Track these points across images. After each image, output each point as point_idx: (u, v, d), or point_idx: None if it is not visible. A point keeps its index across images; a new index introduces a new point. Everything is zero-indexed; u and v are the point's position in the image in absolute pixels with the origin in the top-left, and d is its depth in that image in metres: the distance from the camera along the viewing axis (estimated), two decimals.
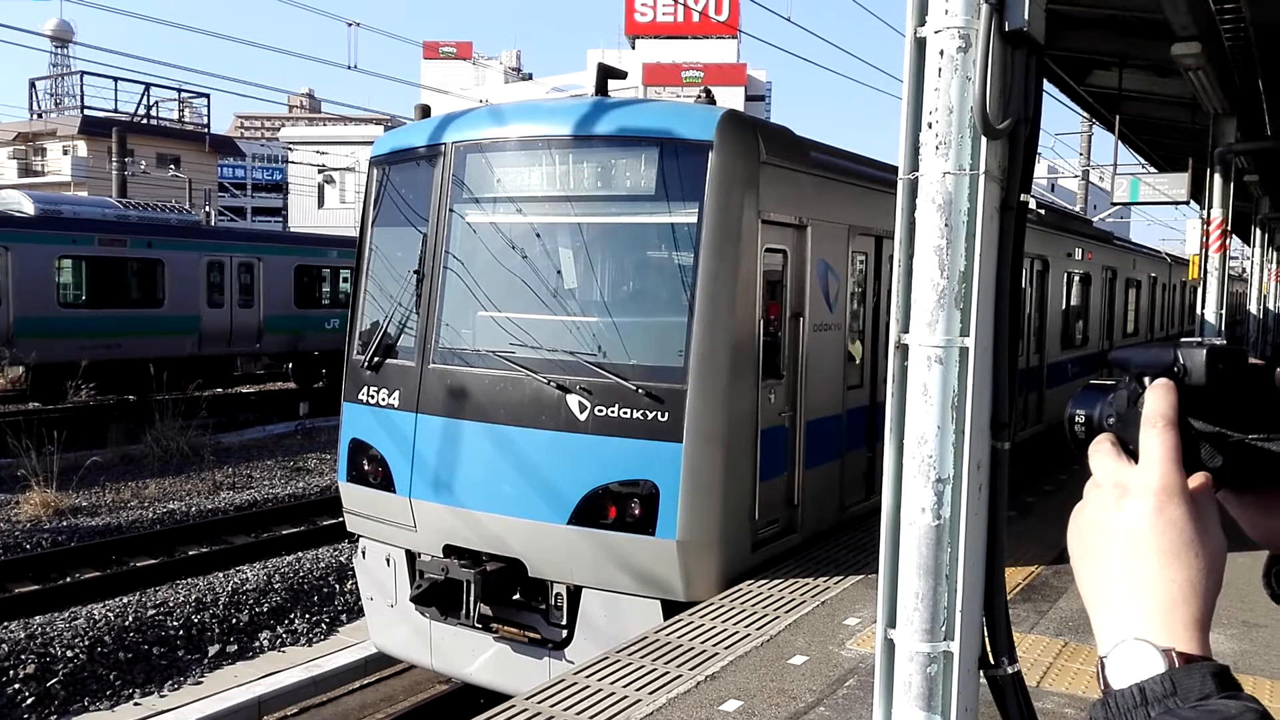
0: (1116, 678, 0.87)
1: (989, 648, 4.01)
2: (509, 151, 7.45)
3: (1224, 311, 15.37)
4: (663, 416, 6.63)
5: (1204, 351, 0.95)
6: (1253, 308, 27.56)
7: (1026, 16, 3.54)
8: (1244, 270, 36.98)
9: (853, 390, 8.84)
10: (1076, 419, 1.02)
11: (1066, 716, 5.17)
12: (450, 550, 7.39)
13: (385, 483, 7.72)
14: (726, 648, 5.91)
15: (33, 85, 61.33)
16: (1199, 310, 15.58)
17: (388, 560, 7.96)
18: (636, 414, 6.68)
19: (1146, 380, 0.95)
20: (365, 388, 7.93)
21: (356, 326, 8.28)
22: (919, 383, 3.68)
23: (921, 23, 3.66)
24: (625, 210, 7.26)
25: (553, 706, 5.16)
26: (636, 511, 6.70)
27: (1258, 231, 27.76)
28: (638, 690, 5.33)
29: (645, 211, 7.14)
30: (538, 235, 7.34)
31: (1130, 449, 0.94)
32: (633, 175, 7.12)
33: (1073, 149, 33.03)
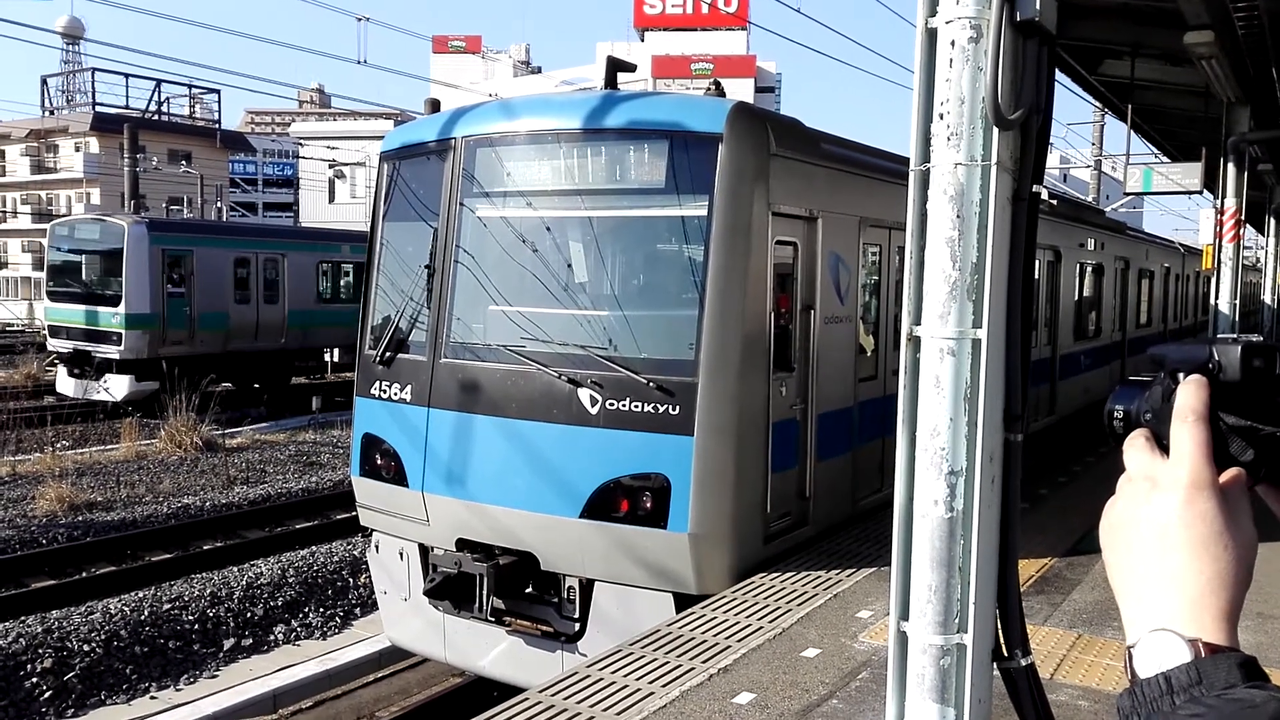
0: (1143, 667, 0.88)
1: (1002, 640, 4.01)
2: (519, 145, 7.44)
3: (1238, 301, 15.29)
4: (674, 410, 6.62)
5: (1239, 347, 0.96)
6: (1267, 297, 27.41)
7: (1038, 6, 3.52)
8: (1258, 260, 36.78)
9: (865, 382, 8.80)
10: (1115, 414, 1.04)
11: (1081, 709, 5.16)
12: (463, 544, 7.41)
13: (398, 477, 7.73)
14: (739, 641, 5.91)
15: (44, 82, 61.62)
16: (1213, 300, 15.50)
17: (401, 554, 7.99)
18: (648, 407, 6.68)
19: (1181, 376, 0.96)
20: (377, 382, 7.94)
21: (368, 322, 8.29)
22: (931, 374, 3.68)
23: (933, 13, 3.65)
24: (635, 203, 7.26)
25: (566, 699, 5.17)
26: (648, 505, 6.70)
27: (1272, 221, 27.59)
28: (650, 683, 5.34)
29: (655, 205, 7.13)
30: (548, 229, 7.33)
31: (1165, 444, 0.95)
32: (643, 168, 7.12)
33: (1085, 139, 32.89)
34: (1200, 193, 18.02)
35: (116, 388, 22.21)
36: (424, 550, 7.79)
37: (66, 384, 23.45)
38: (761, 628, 6.12)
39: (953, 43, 3.57)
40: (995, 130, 3.56)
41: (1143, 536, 0.92)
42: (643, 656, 5.70)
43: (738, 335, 6.81)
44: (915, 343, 3.75)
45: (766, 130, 7.14)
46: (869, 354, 9.04)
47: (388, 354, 7.86)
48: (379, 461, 7.94)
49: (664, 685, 5.31)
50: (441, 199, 7.65)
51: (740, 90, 68.68)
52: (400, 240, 8.23)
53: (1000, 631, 3.99)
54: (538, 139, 7.37)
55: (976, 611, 3.72)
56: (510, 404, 7.14)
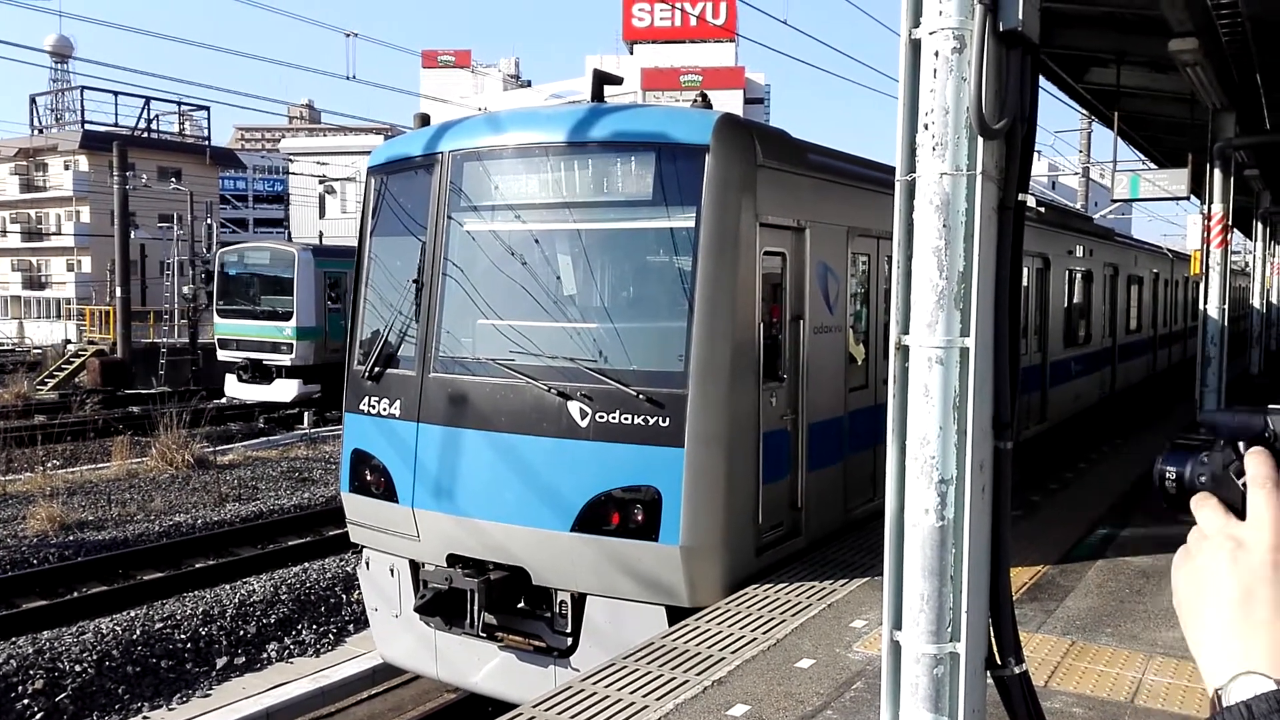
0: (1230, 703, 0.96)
1: (995, 648, 4.01)
2: (506, 159, 7.44)
3: (1227, 306, 15.34)
4: (664, 422, 6.60)
5: None
6: (1256, 302, 27.51)
7: (1021, 16, 3.54)
8: (1246, 265, 36.94)
9: (855, 392, 8.79)
10: (1167, 475, 1.13)
11: (1075, 716, 5.15)
12: (454, 559, 7.35)
13: (388, 493, 7.68)
14: (733, 652, 5.90)
15: (33, 101, 61.56)
16: (1202, 305, 15.56)
17: (391, 570, 7.92)
18: (638, 419, 6.66)
19: (1242, 445, 1.07)
20: (366, 398, 7.90)
21: (357, 337, 8.23)
22: (920, 383, 3.68)
23: (916, 24, 3.66)
24: (623, 216, 7.22)
25: (560, 714, 5.15)
26: (639, 517, 6.67)
27: (1259, 225, 27.74)
28: (645, 696, 5.32)
29: (643, 217, 7.11)
30: (536, 242, 7.30)
31: (1231, 506, 1.05)
32: (629, 180, 7.11)
33: (1073, 146, 33.06)
34: (1188, 198, 18.09)
35: (286, 390, 25.52)
36: (415, 566, 7.72)
37: (236, 388, 26.69)
38: (755, 639, 6.11)
39: (936, 53, 3.59)
40: (980, 140, 3.57)
41: (1228, 591, 1.01)
42: (636, 670, 5.68)
43: (727, 346, 6.79)
44: (904, 352, 3.76)
45: (753, 141, 7.12)
46: (859, 363, 9.02)
47: (376, 369, 7.80)
48: (368, 477, 7.88)
49: (658, 699, 5.29)
50: (429, 213, 7.62)
51: (729, 102, 68.84)
52: (388, 255, 8.19)
53: (993, 640, 3.99)
54: (524, 153, 7.36)
55: (969, 620, 3.72)
56: (500, 418, 7.10)
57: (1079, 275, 16.15)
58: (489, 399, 7.17)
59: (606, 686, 5.46)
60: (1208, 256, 15.38)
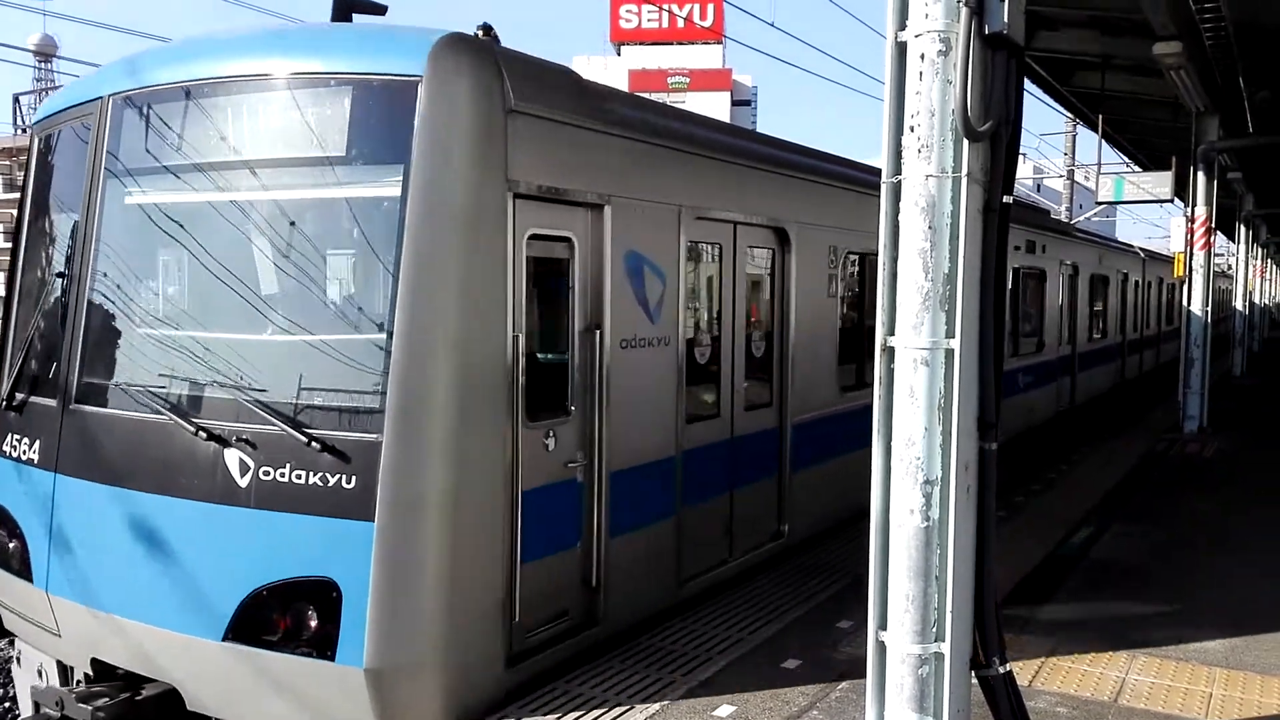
0: None
1: (980, 648, 4.03)
2: (170, 103, 5.38)
3: (1210, 308, 15.47)
4: (348, 481, 4.70)
5: None
6: (1238, 304, 27.72)
7: (1006, 19, 3.57)
8: (1229, 267, 37.25)
9: (698, 423, 6.83)
10: None
11: (1059, 715, 5.18)
12: (101, 668, 5.44)
13: (23, 568, 5.65)
14: (720, 652, 5.91)
15: (17, 100, 61.21)
16: (1185, 306, 15.68)
17: (40, 673, 5.95)
18: (314, 477, 4.75)
19: None
20: (8, 435, 5.92)
21: (5, 350, 6.27)
22: (905, 385, 3.71)
23: (902, 27, 3.69)
24: (308, 180, 5.13)
25: (545, 715, 5.15)
26: (312, 624, 4.74)
27: (1242, 228, 27.99)
28: (630, 697, 5.33)
29: (333, 181, 5.04)
30: (198, 219, 5.29)
31: None
32: (318, 129, 5.06)
33: (1058, 149, 33.27)
34: (1171, 201, 18.24)
35: None
36: (64, 670, 5.77)
37: None
38: (742, 639, 6.13)
39: (922, 56, 3.61)
40: (965, 142, 3.60)
41: None
42: (622, 670, 5.68)
43: (451, 370, 4.83)
44: (889, 353, 3.78)
45: (499, 75, 5.05)
46: (708, 386, 7.09)
47: (19, 396, 5.88)
48: (7, 544, 5.83)
49: (644, 700, 5.30)
50: (84, 180, 5.66)
51: (717, 103, 69.03)
52: (45, 239, 6.21)
53: (978, 639, 4.01)
54: (193, 93, 5.29)
55: (954, 620, 3.75)
56: (142, 471, 5.15)
57: (1028, 276, 14.66)
58: (132, 443, 5.23)
59: (592, 688, 5.47)
60: (1191, 259, 15.51)
